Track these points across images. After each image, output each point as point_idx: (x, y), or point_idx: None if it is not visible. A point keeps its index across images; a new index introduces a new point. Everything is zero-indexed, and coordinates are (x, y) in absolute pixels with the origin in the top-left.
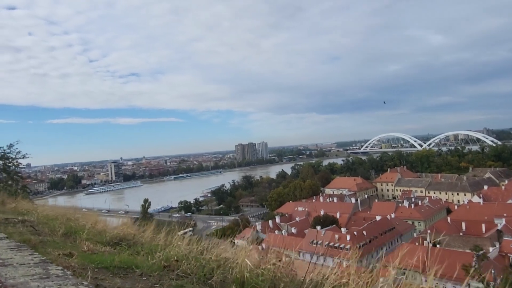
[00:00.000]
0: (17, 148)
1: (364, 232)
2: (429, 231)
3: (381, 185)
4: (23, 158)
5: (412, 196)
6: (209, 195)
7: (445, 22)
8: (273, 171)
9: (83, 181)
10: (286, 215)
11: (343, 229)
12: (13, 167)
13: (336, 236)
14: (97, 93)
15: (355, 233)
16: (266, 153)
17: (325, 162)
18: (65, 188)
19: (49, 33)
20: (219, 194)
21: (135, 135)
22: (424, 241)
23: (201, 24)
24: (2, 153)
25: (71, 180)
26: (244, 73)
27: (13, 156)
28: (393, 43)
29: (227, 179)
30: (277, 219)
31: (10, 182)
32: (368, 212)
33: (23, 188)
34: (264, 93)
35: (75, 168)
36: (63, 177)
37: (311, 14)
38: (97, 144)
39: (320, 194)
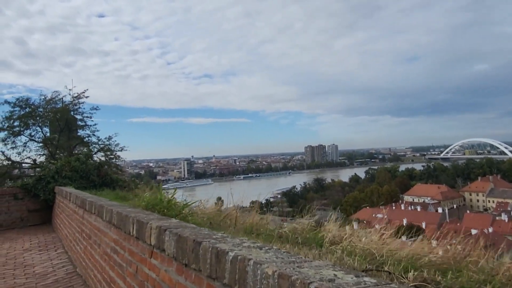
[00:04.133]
0: (115, 141)
1: (459, 247)
2: None
3: (470, 194)
4: (121, 151)
5: (510, 208)
6: (279, 196)
7: None
8: (344, 175)
9: (158, 177)
10: (364, 221)
11: (433, 242)
12: (113, 159)
13: (426, 249)
14: (172, 94)
15: (449, 247)
16: (336, 155)
17: (402, 167)
18: (142, 183)
19: (132, 37)
20: (290, 195)
21: (205, 135)
22: None
23: (273, 26)
24: (102, 145)
25: (147, 176)
26: (314, 75)
27: (112, 149)
28: (481, 40)
29: (296, 180)
30: (355, 225)
31: None
32: (458, 224)
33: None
34: (334, 95)
35: (151, 164)
36: (140, 172)
37: (390, 12)
38: (170, 142)
39: (400, 201)
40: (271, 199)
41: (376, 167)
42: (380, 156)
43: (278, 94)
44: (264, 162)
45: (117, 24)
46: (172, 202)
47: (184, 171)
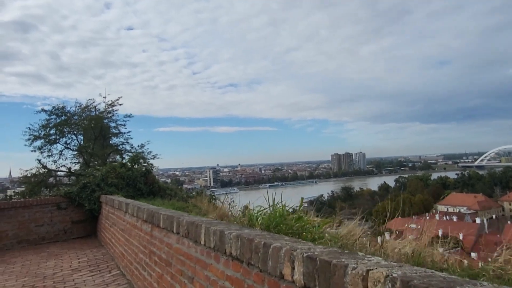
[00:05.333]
0: (148, 148)
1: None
2: None
3: (510, 204)
4: (154, 158)
5: None
6: (306, 205)
7: None
8: (372, 183)
9: (185, 186)
10: (397, 232)
11: (472, 254)
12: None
13: (465, 262)
14: (198, 103)
15: (490, 259)
16: (364, 164)
17: (434, 176)
18: (194, 193)
19: (160, 49)
20: (317, 204)
21: (231, 143)
22: None
23: (298, 34)
24: (135, 153)
25: (174, 184)
26: (340, 82)
27: (145, 157)
28: None
29: (323, 189)
30: (387, 236)
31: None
32: (498, 236)
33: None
34: (361, 102)
35: (177, 173)
36: (167, 181)
37: (418, 16)
38: (196, 151)
39: (434, 211)
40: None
41: (406, 176)
42: (410, 164)
43: (303, 102)
44: (289, 171)
45: (145, 37)
46: (305, 220)
47: (210, 179)
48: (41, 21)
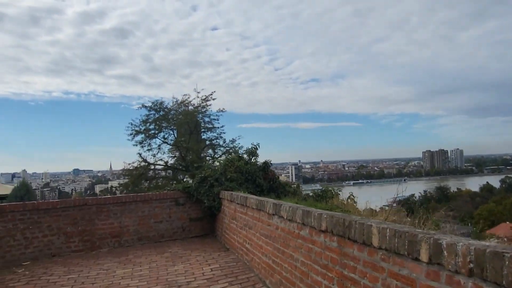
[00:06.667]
0: (239, 143)
1: None
2: None
3: None
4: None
5: None
6: (394, 204)
7: None
8: (471, 183)
9: None
10: (505, 238)
11: None
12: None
13: None
14: (279, 99)
15: None
16: (461, 162)
17: None
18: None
19: (242, 47)
20: (408, 204)
21: (313, 139)
22: None
23: (386, 23)
24: (227, 148)
25: None
26: (434, 72)
27: (237, 151)
28: None
29: (414, 188)
30: (493, 243)
31: None
32: None
33: None
34: (458, 93)
35: None
36: None
37: None
38: (277, 147)
39: None
40: (386, 207)
41: None
42: None
43: (391, 95)
44: (375, 168)
45: (229, 35)
46: None
47: (292, 175)
48: (137, 27)
